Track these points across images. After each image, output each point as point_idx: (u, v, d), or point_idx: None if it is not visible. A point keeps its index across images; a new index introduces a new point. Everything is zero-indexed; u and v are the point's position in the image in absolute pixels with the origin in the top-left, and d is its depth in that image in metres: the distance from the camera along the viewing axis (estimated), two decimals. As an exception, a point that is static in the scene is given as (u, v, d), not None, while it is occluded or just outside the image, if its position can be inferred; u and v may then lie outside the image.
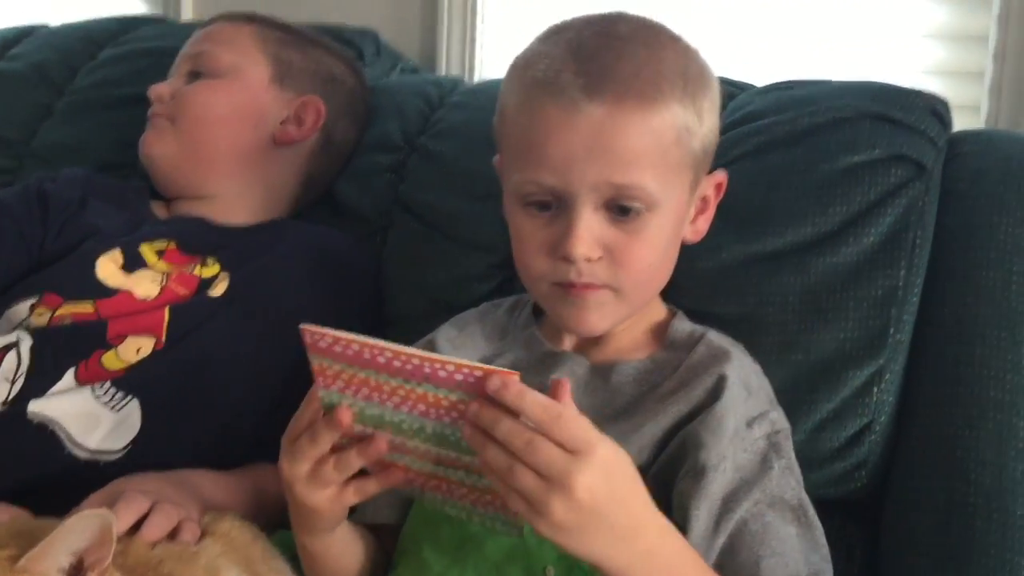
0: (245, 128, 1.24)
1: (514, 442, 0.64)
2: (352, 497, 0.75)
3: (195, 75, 1.24)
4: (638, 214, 0.83)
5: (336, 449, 0.73)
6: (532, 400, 0.64)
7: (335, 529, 0.81)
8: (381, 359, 0.66)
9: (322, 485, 0.74)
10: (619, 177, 0.81)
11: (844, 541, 0.96)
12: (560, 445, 0.64)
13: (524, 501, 0.65)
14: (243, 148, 1.23)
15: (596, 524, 0.65)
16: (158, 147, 1.23)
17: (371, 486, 0.75)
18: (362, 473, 0.75)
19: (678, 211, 0.87)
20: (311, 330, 0.67)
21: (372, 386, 0.68)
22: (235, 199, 1.23)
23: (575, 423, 0.65)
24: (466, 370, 0.64)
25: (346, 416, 0.70)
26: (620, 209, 0.83)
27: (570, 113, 0.81)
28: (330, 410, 0.71)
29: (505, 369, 0.65)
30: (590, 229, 0.82)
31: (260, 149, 1.24)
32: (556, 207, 0.84)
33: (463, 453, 0.69)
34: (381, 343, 0.65)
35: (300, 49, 1.29)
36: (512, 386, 0.64)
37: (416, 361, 0.65)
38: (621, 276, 0.84)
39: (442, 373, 0.65)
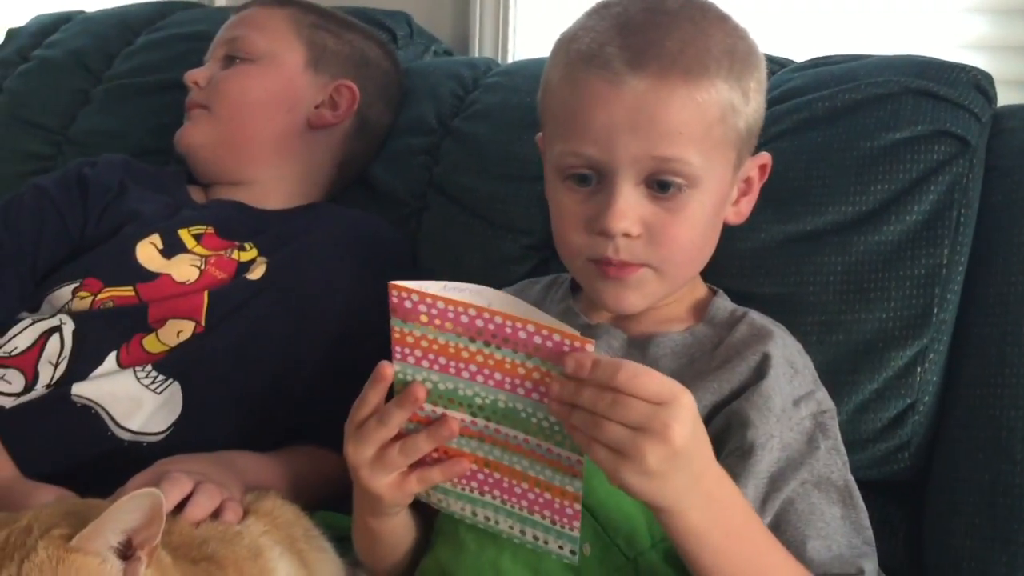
0: (280, 113, 1.24)
1: (599, 405, 0.64)
2: (415, 485, 0.75)
3: (230, 60, 1.25)
4: (679, 190, 0.82)
5: (401, 436, 0.73)
6: (605, 366, 0.65)
7: (399, 513, 0.82)
8: (464, 317, 0.67)
9: (387, 470, 0.74)
10: (661, 150, 0.80)
11: (887, 522, 0.96)
12: (645, 399, 0.64)
13: (610, 452, 0.65)
14: (279, 133, 1.24)
15: (680, 468, 0.66)
16: (196, 135, 1.24)
17: (435, 475, 0.75)
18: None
19: (720, 190, 0.86)
20: (399, 287, 0.68)
21: (450, 353, 0.69)
22: (271, 184, 1.24)
23: (654, 376, 0.66)
24: (545, 332, 0.65)
25: (421, 392, 0.71)
26: (660, 185, 0.82)
27: (614, 85, 0.80)
28: (403, 387, 0.72)
29: (578, 335, 0.65)
30: (630, 204, 0.82)
31: (296, 133, 1.25)
32: (596, 181, 0.84)
33: (531, 433, 0.70)
34: (466, 300, 0.67)
35: (334, 33, 1.29)
36: (584, 360, 0.65)
37: (499, 320, 0.66)
38: (661, 254, 0.84)
39: (522, 334, 0.66)
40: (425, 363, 0.70)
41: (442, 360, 0.70)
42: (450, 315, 0.67)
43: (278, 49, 1.25)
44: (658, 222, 0.83)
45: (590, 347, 0.65)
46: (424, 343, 0.69)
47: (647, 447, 0.64)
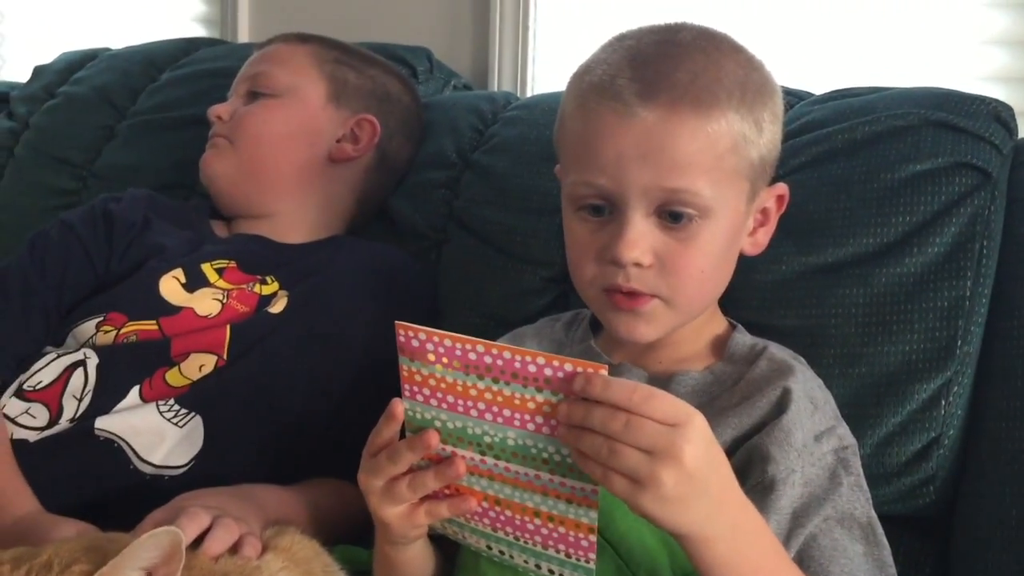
0: (302, 146, 1.25)
1: (612, 426, 0.64)
2: (423, 518, 0.75)
3: (253, 95, 1.27)
4: (690, 221, 0.82)
5: (412, 470, 0.73)
6: (619, 387, 0.64)
7: (414, 544, 0.81)
8: (472, 355, 0.67)
9: (395, 502, 0.75)
10: (670, 181, 0.81)
11: (912, 558, 0.94)
12: (658, 422, 0.64)
13: (627, 480, 0.64)
14: (300, 166, 1.25)
15: (699, 492, 0.65)
16: (219, 166, 1.25)
17: (443, 510, 0.75)
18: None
19: (734, 221, 0.86)
20: (405, 327, 0.69)
21: (458, 391, 0.69)
22: (293, 217, 1.25)
23: (667, 398, 0.65)
24: (556, 363, 0.65)
25: (434, 439, 0.71)
26: (672, 216, 0.82)
27: (624, 117, 0.81)
28: (413, 429, 0.72)
29: (591, 363, 0.65)
30: (641, 234, 0.82)
31: (317, 167, 1.26)
32: (609, 212, 0.84)
33: (543, 469, 0.69)
34: (473, 338, 0.67)
35: (355, 68, 1.30)
36: (595, 379, 0.64)
37: (508, 355, 0.66)
38: (672, 284, 0.84)
39: (532, 368, 0.65)
40: (434, 401, 0.70)
41: (450, 399, 0.69)
42: (457, 353, 0.67)
43: (300, 84, 1.27)
44: (669, 252, 0.83)
45: (603, 372, 0.65)
46: (432, 381, 0.69)
47: (662, 471, 0.63)
